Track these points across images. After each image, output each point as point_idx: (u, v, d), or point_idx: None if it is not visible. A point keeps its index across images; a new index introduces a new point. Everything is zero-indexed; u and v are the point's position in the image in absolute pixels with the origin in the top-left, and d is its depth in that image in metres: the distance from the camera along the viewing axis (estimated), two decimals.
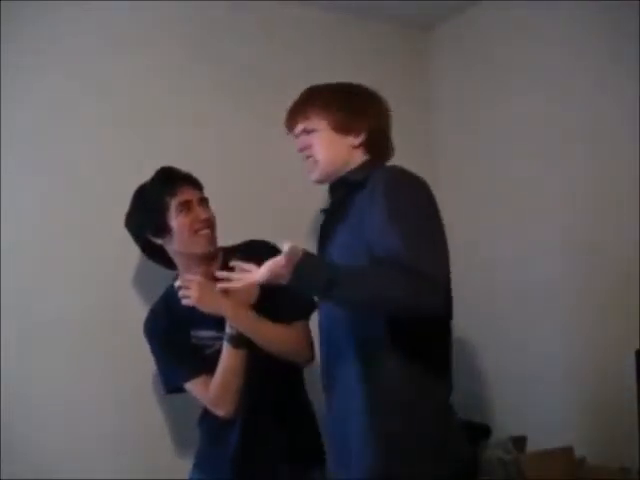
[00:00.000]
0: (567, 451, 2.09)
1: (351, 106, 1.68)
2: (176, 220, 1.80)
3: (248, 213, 2.38)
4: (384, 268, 1.40)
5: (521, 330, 2.48)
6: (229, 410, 1.76)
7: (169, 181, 1.83)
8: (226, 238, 1.92)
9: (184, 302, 1.73)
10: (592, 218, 2.27)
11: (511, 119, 2.57)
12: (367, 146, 1.67)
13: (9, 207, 2.04)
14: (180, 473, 1.99)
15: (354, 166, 1.66)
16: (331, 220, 1.66)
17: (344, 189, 1.64)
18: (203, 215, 1.83)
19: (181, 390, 1.85)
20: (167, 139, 2.30)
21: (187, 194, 1.83)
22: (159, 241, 1.84)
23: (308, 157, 1.68)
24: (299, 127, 1.69)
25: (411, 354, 1.50)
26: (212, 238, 1.85)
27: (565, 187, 2.36)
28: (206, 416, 1.87)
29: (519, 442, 2.18)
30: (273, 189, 2.49)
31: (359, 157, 1.67)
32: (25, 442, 1.99)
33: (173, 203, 1.80)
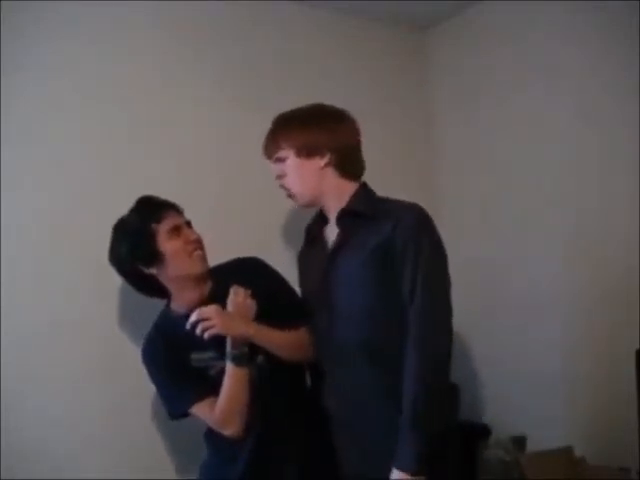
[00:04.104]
0: (567, 451, 2.09)
1: (313, 130, 1.77)
2: (168, 245, 1.78)
3: (250, 213, 2.38)
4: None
5: (521, 330, 2.48)
6: (237, 430, 1.76)
7: (152, 209, 1.82)
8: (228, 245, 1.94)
9: (207, 335, 1.70)
10: (592, 219, 2.27)
11: (511, 118, 2.57)
12: (336, 165, 1.76)
13: (9, 210, 2.03)
14: (183, 475, 2.00)
15: (328, 186, 1.76)
16: (337, 249, 1.74)
17: (352, 220, 1.73)
18: (193, 236, 1.83)
19: (187, 415, 1.83)
20: (168, 139, 2.30)
21: (173, 219, 1.82)
22: (152, 270, 1.81)
23: (281, 186, 1.80)
24: (273, 157, 1.80)
25: None
26: (205, 257, 1.85)
27: (565, 187, 2.36)
28: (215, 431, 1.83)
29: (519, 442, 2.18)
30: (274, 191, 2.48)
31: (330, 176, 1.76)
32: (24, 443, 1.99)
33: (161, 229, 1.79)
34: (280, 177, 1.79)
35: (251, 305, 1.77)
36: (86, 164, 2.17)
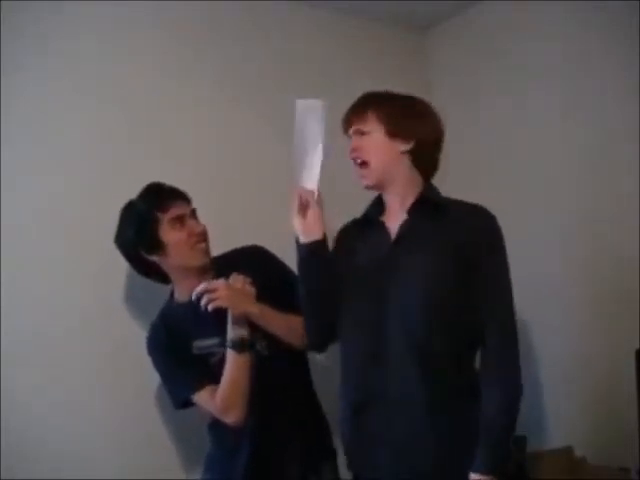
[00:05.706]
0: (567, 451, 2.09)
1: (406, 113, 1.72)
2: (171, 235, 1.79)
3: (250, 213, 2.38)
4: None
5: (520, 330, 2.46)
6: (238, 417, 1.76)
7: (159, 196, 1.82)
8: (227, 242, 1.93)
9: (210, 307, 1.70)
10: (592, 217, 2.27)
11: (511, 118, 2.57)
12: (414, 155, 1.71)
13: (9, 210, 2.03)
14: (184, 475, 1.99)
15: (401, 173, 1.70)
16: (403, 237, 1.67)
17: (424, 210, 1.68)
18: (197, 228, 1.83)
19: (191, 404, 1.84)
20: (168, 139, 2.30)
21: (179, 209, 1.82)
22: (154, 258, 1.82)
23: (356, 160, 1.71)
24: (353, 127, 1.72)
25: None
26: (207, 250, 1.85)
27: (565, 187, 2.36)
28: (217, 422, 1.84)
29: (519, 442, 2.18)
30: (274, 191, 2.48)
31: (405, 164, 1.71)
32: (24, 443, 1.98)
33: (165, 218, 1.79)
34: (355, 150, 1.71)
35: (250, 292, 1.77)
36: (86, 164, 2.17)
